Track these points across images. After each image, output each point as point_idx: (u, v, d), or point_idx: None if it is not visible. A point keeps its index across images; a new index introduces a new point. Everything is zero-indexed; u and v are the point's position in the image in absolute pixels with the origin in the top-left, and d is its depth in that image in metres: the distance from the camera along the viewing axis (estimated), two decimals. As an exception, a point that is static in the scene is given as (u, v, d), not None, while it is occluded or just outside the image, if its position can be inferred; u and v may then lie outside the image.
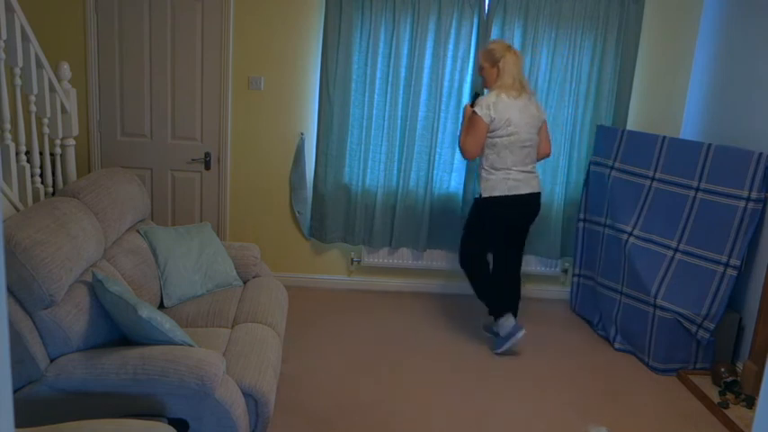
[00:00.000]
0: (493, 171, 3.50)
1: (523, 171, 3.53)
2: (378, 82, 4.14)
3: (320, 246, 4.49)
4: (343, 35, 4.05)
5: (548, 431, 2.92)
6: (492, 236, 3.65)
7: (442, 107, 4.18)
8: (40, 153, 3.15)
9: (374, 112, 4.17)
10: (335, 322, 3.94)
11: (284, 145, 4.31)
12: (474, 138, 3.45)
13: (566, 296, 4.61)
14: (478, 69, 3.62)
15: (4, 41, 2.69)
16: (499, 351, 3.64)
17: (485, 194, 3.51)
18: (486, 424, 2.94)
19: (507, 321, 3.62)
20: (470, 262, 3.71)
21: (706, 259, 3.49)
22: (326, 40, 4.06)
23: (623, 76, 4.22)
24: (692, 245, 3.54)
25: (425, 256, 4.47)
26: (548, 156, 3.73)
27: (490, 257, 3.75)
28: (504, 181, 3.49)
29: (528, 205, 3.58)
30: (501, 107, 3.43)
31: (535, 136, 3.55)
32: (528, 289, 4.63)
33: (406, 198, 4.30)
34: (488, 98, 3.47)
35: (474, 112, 3.44)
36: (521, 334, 3.60)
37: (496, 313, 3.66)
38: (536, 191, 3.58)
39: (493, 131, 3.45)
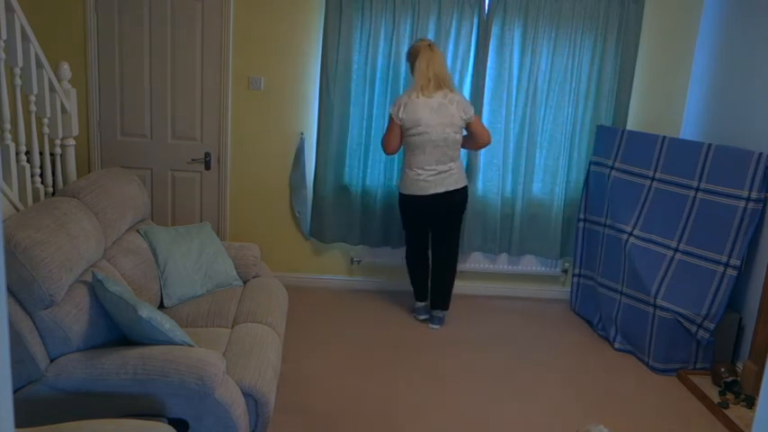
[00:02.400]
0: (407, 170, 3.67)
1: (436, 171, 3.60)
2: (378, 82, 4.14)
3: (320, 246, 4.49)
4: (343, 35, 4.05)
5: (548, 431, 2.92)
6: (409, 228, 3.86)
7: (442, 107, 4.17)
8: (40, 153, 3.14)
9: (374, 111, 4.17)
10: (335, 322, 3.94)
11: (284, 145, 4.31)
12: (387, 135, 3.68)
13: (566, 296, 4.61)
14: (409, 69, 3.76)
15: (4, 41, 2.69)
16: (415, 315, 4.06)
17: (401, 190, 3.74)
18: (486, 424, 2.94)
19: (417, 304, 4.03)
20: (406, 250, 3.98)
21: (706, 259, 3.49)
22: (326, 41, 4.06)
23: (623, 76, 4.22)
24: (692, 245, 3.54)
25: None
26: (486, 143, 3.77)
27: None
28: (415, 181, 3.64)
29: (440, 203, 3.66)
30: (410, 108, 3.53)
31: (452, 135, 3.57)
32: (528, 289, 4.63)
33: (405, 198, 4.30)
34: (402, 98, 3.61)
35: (389, 111, 3.64)
36: (420, 317, 4.00)
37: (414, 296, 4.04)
38: (450, 189, 3.64)
39: (406, 131, 3.58)
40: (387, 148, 3.71)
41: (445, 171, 3.62)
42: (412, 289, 4.05)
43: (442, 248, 3.88)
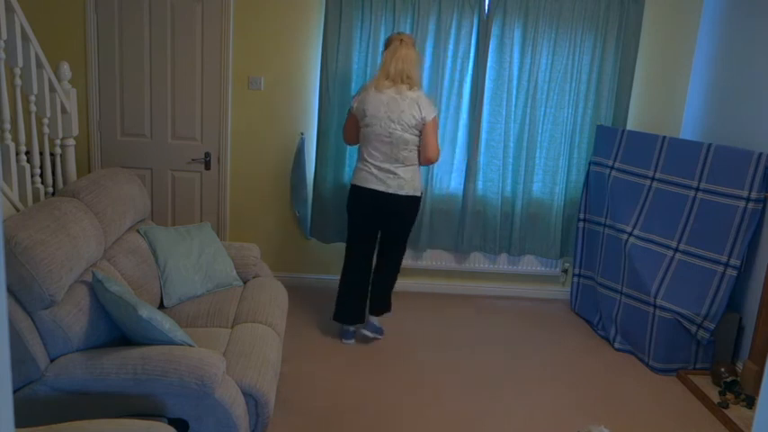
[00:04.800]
0: (357, 160, 3.54)
1: (380, 167, 3.40)
2: (378, 82, 4.13)
3: (320, 246, 4.48)
4: (343, 35, 4.05)
5: (547, 431, 2.92)
6: (351, 227, 3.60)
7: (442, 107, 4.17)
8: (40, 153, 3.14)
9: (374, 112, 4.16)
10: (335, 322, 3.93)
11: (284, 145, 4.31)
12: (345, 126, 3.64)
13: (566, 296, 4.61)
14: None
15: (4, 41, 2.69)
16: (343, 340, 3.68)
17: (351, 182, 3.56)
18: (485, 424, 2.94)
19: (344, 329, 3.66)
20: (344, 263, 3.67)
21: (706, 259, 3.49)
22: (326, 40, 4.06)
23: (623, 76, 4.22)
24: (692, 245, 3.54)
25: (425, 256, 4.47)
26: (431, 161, 3.46)
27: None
28: (359, 170, 3.49)
29: (377, 203, 3.42)
30: (362, 97, 3.45)
31: (399, 133, 3.34)
32: (528, 289, 4.63)
33: (405, 198, 4.29)
34: (362, 88, 3.53)
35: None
36: (348, 340, 3.64)
37: (336, 317, 3.65)
38: (392, 192, 3.39)
39: (359, 121, 3.48)
40: (344, 137, 3.69)
41: (390, 171, 3.39)
42: (335, 308, 3.66)
43: (383, 260, 3.65)
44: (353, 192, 3.51)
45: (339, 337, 3.70)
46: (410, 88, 3.39)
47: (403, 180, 3.41)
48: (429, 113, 3.39)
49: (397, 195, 3.41)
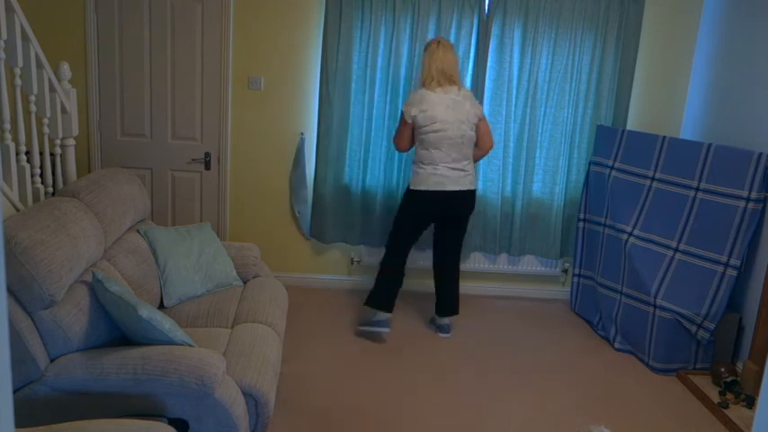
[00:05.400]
0: (422, 165, 3.53)
1: (453, 168, 3.49)
2: (378, 82, 4.14)
3: (320, 246, 4.49)
4: (343, 35, 4.05)
5: (547, 431, 2.92)
6: (409, 227, 3.64)
7: (442, 107, 4.17)
8: (40, 153, 3.15)
9: (374, 111, 4.17)
10: (335, 322, 3.94)
11: (284, 145, 4.31)
12: (398, 133, 3.61)
13: (566, 296, 4.61)
14: None
15: (4, 41, 2.69)
16: (360, 328, 3.78)
17: (412, 187, 3.57)
18: (485, 424, 2.94)
19: (379, 316, 3.71)
20: (387, 250, 3.72)
21: (706, 259, 3.49)
22: (326, 41, 4.06)
23: (623, 76, 4.22)
24: (692, 245, 3.54)
25: (425, 256, 4.47)
26: (490, 148, 3.64)
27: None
28: (431, 176, 3.49)
29: (452, 202, 3.53)
30: (424, 105, 3.44)
31: (469, 132, 3.49)
32: (528, 289, 4.63)
33: (406, 198, 4.30)
34: (415, 95, 3.52)
35: (401, 108, 3.56)
36: (382, 331, 3.69)
37: (371, 303, 3.68)
38: (465, 189, 3.52)
39: (420, 128, 3.48)
40: (398, 146, 3.64)
41: (462, 170, 3.51)
42: (373, 293, 3.71)
43: (447, 251, 3.74)
44: (425, 196, 3.51)
45: (370, 325, 3.71)
46: (459, 88, 3.50)
47: (471, 176, 3.58)
48: (480, 107, 3.58)
49: (470, 191, 3.57)
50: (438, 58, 3.50)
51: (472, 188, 3.57)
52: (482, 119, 3.58)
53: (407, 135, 3.56)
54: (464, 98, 3.49)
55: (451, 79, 3.50)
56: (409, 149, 3.67)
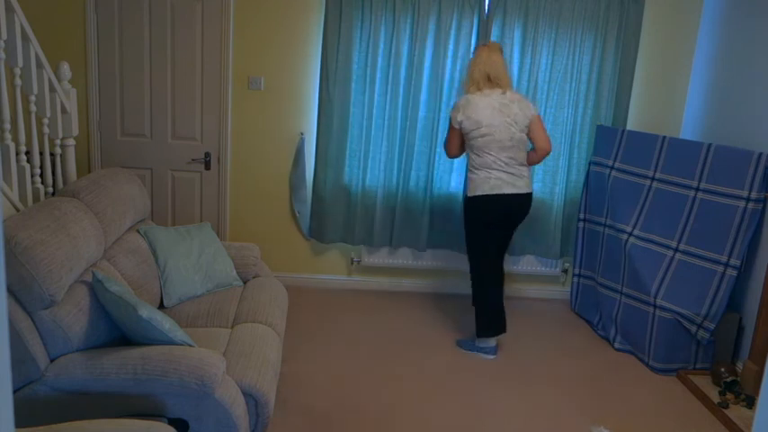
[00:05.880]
0: (475, 171, 3.48)
1: (506, 171, 3.42)
2: (378, 82, 4.14)
3: (320, 246, 4.49)
4: (343, 35, 4.05)
5: (548, 431, 2.92)
6: (481, 238, 3.54)
7: (442, 107, 4.18)
8: (40, 153, 3.15)
9: (374, 111, 4.17)
10: (335, 322, 3.94)
11: (284, 145, 4.31)
12: (448, 140, 3.57)
13: (566, 296, 4.61)
14: None
15: (4, 41, 2.69)
16: (460, 344, 3.70)
17: (469, 194, 3.50)
18: (485, 424, 2.94)
19: (485, 342, 3.61)
20: (473, 271, 3.62)
21: (706, 259, 3.49)
22: (326, 40, 4.06)
23: (623, 76, 4.22)
24: (692, 245, 3.54)
25: (425, 255, 4.47)
26: (547, 152, 3.48)
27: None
28: (486, 180, 3.43)
29: (510, 206, 3.46)
30: (471, 109, 3.39)
31: (519, 134, 3.41)
32: (528, 289, 4.63)
33: (406, 198, 4.30)
34: (461, 100, 3.47)
35: (449, 114, 3.51)
36: (488, 357, 3.59)
37: (481, 331, 3.58)
38: (521, 191, 3.45)
39: (467, 133, 3.44)
40: (449, 152, 3.59)
41: (516, 174, 3.44)
42: (477, 324, 3.55)
43: (500, 262, 3.62)
44: (484, 201, 3.42)
45: (481, 352, 3.61)
46: (507, 90, 3.45)
47: (527, 178, 3.51)
48: (532, 108, 3.48)
49: (526, 194, 3.49)
50: (482, 61, 3.44)
51: (529, 191, 3.50)
52: (534, 121, 3.45)
53: (456, 141, 3.50)
54: (511, 100, 3.41)
55: (497, 82, 3.43)
56: (460, 156, 3.61)
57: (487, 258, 3.56)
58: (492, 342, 3.61)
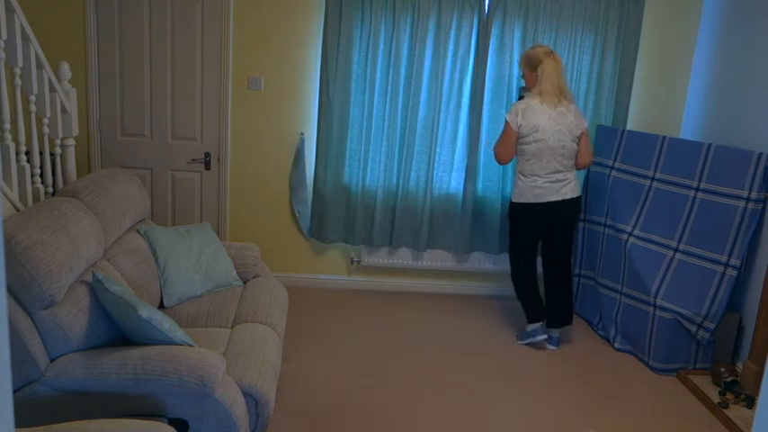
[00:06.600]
0: (522, 177, 3.55)
1: (552, 179, 3.50)
2: (378, 82, 4.14)
3: (320, 246, 4.49)
4: (343, 35, 4.05)
5: (548, 431, 2.92)
6: (521, 240, 3.68)
7: (442, 107, 4.18)
8: (40, 153, 3.14)
9: (374, 111, 4.17)
10: (335, 322, 3.94)
11: (284, 145, 4.31)
12: (502, 143, 3.56)
13: (566, 296, 4.61)
14: (521, 74, 3.67)
15: (4, 41, 2.69)
16: (520, 342, 3.84)
17: (513, 200, 3.61)
18: (485, 424, 2.94)
19: (532, 327, 3.78)
20: (512, 266, 3.78)
21: (706, 259, 3.49)
22: (326, 40, 4.06)
23: (623, 76, 4.23)
24: (692, 245, 3.54)
25: (425, 256, 4.47)
26: (586, 165, 3.64)
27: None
28: (531, 188, 3.52)
29: (555, 212, 3.55)
30: (529, 114, 3.44)
31: (570, 143, 3.50)
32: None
33: (406, 198, 4.30)
34: (519, 104, 3.50)
35: (506, 118, 3.52)
36: (538, 338, 3.74)
37: (529, 318, 3.79)
38: (567, 198, 3.54)
39: (522, 138, 3.48)
40: (500, 154, 3.57)
41: (562, 180, 3.52)
42: (525, 311, 3.78)
43: (553, 261, 3.72)
44: (529, 209, 3.55)
45: (538, 342, 3.77)
46: (568, 100, 3.51)
47: (573, 183, 3.57)
48: (585, 122, 3.58)
49: (572, 200, 3.57)
50: (558, 72, 3.48)
51: (574, 196, 3.57)
52: (584, 133, 3.56)
53: (513, 146, 3.52)
54: (567, 110, 3.49)
55: (566, 95, 3.51)
56: (510, 162, 3.64)
57: (525, 256, 3.70)
58: (543, 332, 3.75)
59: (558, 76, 3.47)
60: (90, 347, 2.32)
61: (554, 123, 3.44)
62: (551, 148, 3.45)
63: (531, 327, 3.76)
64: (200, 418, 2.21)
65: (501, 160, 3.60)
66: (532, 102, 3.47)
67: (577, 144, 3.56)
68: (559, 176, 3.52)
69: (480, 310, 4.34)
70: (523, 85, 3.73)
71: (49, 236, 2.24)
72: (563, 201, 3.54)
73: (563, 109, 3.48)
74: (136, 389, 2.16)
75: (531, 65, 3.53)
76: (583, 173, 4.30)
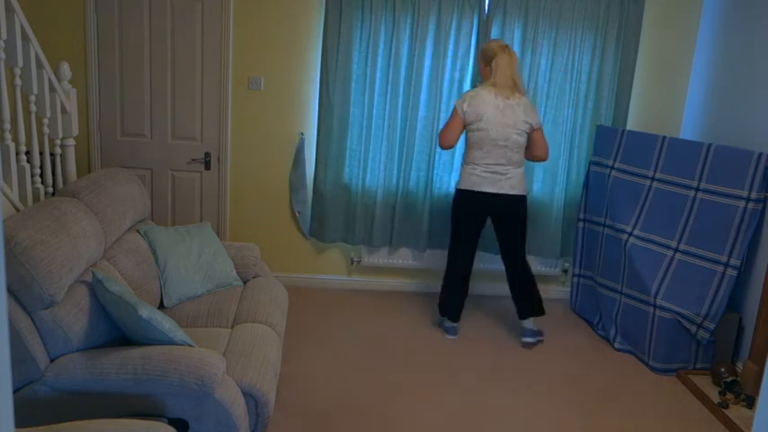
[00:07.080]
0: (464, 164, 3.62)
1: (491, 170, 3.52)
2: (378, 82, 4.14)
3: (320, 246, 4.49)
4: (343, 35, 4.05)
5: (548, 431, 2.92)
6: (455, 227, 3.71)
7: (442, 107, 4.18)
8: (40, 153, 3.15)
9: (374, 111, 4.17)
10: (335, 322, 3.94)
11: (284, 145, 4.31)
12: (447, 128, 3.59)
13: (566, 296, 4.61)
14: (478, 68, 3.69)
15: (4, 41, 2.69)
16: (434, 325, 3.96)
17: (457, 186, 3.66)
18: (485, 424, 2.94)
19: (444, 323, 3.88)
20: (449, 253, 3.81)
21: (706, 259, 3.49)
22: (326, 40, 4.06)
23: (623, 76, 4.23)
24: (692, 245, 3.54)
25: (425, 256, 4.47)
26: (544, 160, 3.70)
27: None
28: (469, 176, 3.56)
29: (494, 206, 3.57)
30: (477, 102, 3.49)
31: (515, 137, 3.50)
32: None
33: (406, 198, 4.30)
34: (470, 92, 3.56)
35: (454, 104, 3.57)
36: (445, 326, 3.84)
37: (440, 310, 3.87)
38: (505, 192, 3.53)
39: (467, 125, 3.54)
40: (443, 140, 3.57)
41: (501, 173, 3.52)
42: (438, 301, 3.84)
43: (508, 255, 3.72)
44: (464, 196, 3.60)
45: (443, 332, 3.88)
46: (519, 94, 3.53)
47: (513, 180, 3.56)
48: (538, 119, 3.60)
49: (508, 195, 3.56)
50: (513, 65, 3.52)
51: (513, 193, 3.56)
52: (537, 129, 3.59)
53: (457, 130, 3.54)
54: (517, 104, 3.50)
55: (518, 88, 3.54)
56: (452, 147, 3.63)
57: (459, 244, 3.71)
58: (453, 323, 3.85)
59: (512, 70, 3.51)
60: (90, 347, 2.31)
61: (500, 115, 3.47)
62: (493, 139, 3.48)
63: (446, 322, 3.87)
64: (201, 418, 2.21)
65: (443, 144, 3.60)
66: (482, 91, 3.51)
67: (527, 139, 3.57)
68: (499, 169, 3.52)
69: (480, 309, 4.34)
70: (476, 83, 3.80)
71: (49, 236, 2.24)
72: (502, 195, 3.54)
73: (513, 102, 3.49)
74: (136, 389, 2.16)
75: (486, 58, 3.58)
76: (583, 172, 4.30)
